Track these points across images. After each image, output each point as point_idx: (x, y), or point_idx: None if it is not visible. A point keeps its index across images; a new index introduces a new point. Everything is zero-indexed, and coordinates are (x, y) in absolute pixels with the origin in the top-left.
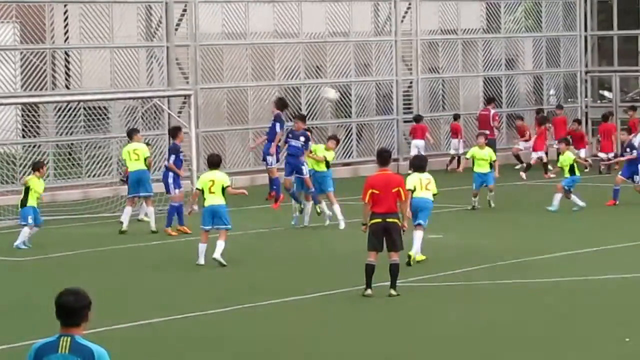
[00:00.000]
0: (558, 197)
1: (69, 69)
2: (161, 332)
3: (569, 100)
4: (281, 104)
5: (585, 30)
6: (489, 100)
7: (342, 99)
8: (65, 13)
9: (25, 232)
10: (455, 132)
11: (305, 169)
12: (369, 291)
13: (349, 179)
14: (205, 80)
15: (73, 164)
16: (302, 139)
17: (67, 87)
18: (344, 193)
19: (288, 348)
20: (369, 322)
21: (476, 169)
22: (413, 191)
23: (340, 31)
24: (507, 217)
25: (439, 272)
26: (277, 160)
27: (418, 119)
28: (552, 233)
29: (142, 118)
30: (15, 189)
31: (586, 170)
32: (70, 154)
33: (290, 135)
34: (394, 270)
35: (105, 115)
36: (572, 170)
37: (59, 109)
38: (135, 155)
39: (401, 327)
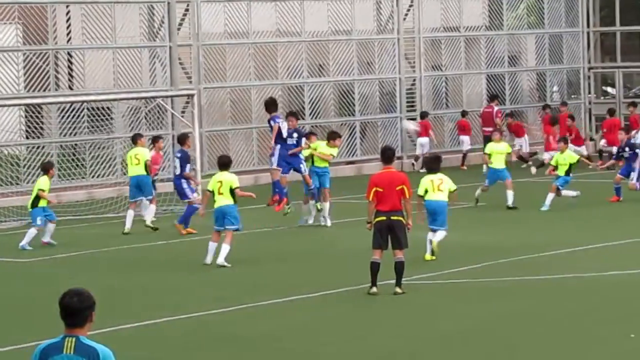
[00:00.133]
0: (551, 197)
1: (72, 70)
2: (166, 332)
3: (572, 96)
4: (271, 106)
5: (588, 26)
6: (492, 97)
7: (346, 96)
8: (67, 14)
9: (32, 233)
10: (463, 129)
11: (304, 167)
12: (374, 289)
13: (352, 177)
14: (208, 79)
15: (77, 165)
16: (295, 135)
17: (70, 88)
18: (346, 191)
19: (293, 347)
20: (375, 320)
21: (492, 165)
22: (425, 194)
23: (342, 29)
24: (512, 214)
25: (445, 269)
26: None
27: (423, 115)
28: (556, 230)
29: (145, 118)
30: (20, 190)
31: (589, 167)
32: (74, 155)
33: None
34: (399, 268)
35: (109, 115)
36: (568, 170)
37: (63, 110)
38: (136, 160)
39: (407, 325)
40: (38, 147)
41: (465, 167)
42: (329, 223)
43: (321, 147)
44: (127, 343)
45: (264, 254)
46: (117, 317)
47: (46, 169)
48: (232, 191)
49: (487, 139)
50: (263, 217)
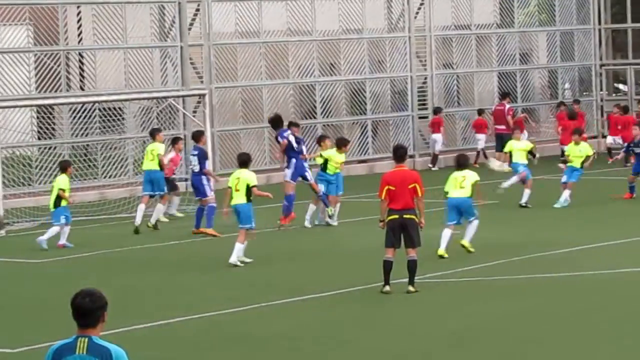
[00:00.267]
0: (567, 193)
1: (83, 70)
2: (179, 332)
3: (584, 93)
4: (277, 122)
5: (599, 23)
6: (504, 95)
7: (357, 95)
8: (78, 14)
9: (54, 230)
10: (480, 127)
11: (309, 174)
12: (387, 288)
13: (364, 176)
14: (219, 79)
15: (89, 165)
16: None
17: (82, 89)
18: (357, 190)
19: (305, 347)
20: (387, 319)
21: (515, 160)
22: (447, 192)
23: (353, 28)
24: (524, 211)
25: (457, 267)
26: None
27: (436, 111)
28: (568, 227)
29: (157, 118)
30: (32, 191)
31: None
32: (86, 155)
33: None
34: (411, 267)
35: (120, 116)
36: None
37: (74, 111)
38: (151, 155)
39: (420, 323)
40: (50, 148)
41: (477, 165)
42: (335, 223)
43: (335, 157)
44: (140, 343)
45: (276, 253)
46: (130, 317)
47: (64, 167)
48: (248, 190)
49: (499, 137)
50: (275, 217)
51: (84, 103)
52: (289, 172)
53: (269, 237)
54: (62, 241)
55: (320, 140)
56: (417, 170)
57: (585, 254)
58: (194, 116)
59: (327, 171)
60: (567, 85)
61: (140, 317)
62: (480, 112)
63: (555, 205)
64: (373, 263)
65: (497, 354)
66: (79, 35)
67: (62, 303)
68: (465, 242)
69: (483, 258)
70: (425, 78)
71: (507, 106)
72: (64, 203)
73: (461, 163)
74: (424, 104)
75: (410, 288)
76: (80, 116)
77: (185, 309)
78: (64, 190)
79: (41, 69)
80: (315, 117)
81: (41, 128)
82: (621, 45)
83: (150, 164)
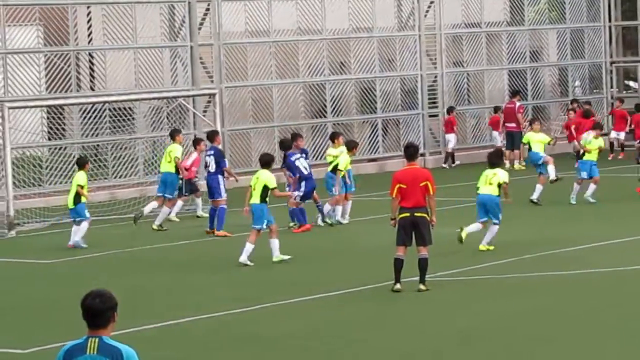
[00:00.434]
0: (594, 188)
1: (93, 71)
2: (189, 332)
3: (595, 91)
4: (285, 145)
5: (610, 20)
6: (514, 92)
7: (367, 94)
8: (88, 15)
9: (84, 227)
10: (497, 125)
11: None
12: (397, 286)
13: (374, 175)
14: (229, 78)
15: (99, 165)
16: (303, 156)
17: (92, 89)
18: (368, 189)
19: (315, 346)
20: (398, 318)
21: (535, 150)
22: (478, 188)
23: (363, 27)
24: (535, 209)
25: (468, 265)
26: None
27: (449, 110)
28: (580, 224)
29: (167, 118)
30: (42, 191)
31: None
32: (96, 156)
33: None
34: (422, 265)
35: (131, 116)
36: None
37: (84, 111)
38: (169, 157)
39: (430, 321)
40: (60, 149)
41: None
42: (346, 220)
43: (347, 161)
44: (150, 343)
45: (286, 252)
46: (140, 317)
47: (82, 164)
48: (264, 190)
49: (510, 135)
50: (283, 216)
51: (94, 103)
52: (296, 194)
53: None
54: (73, 241)
55: (333, 137)
56: (428, 169)
57: (596, 251)
58: (204, 116)
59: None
60: (577, 83)
61: (150, 317)
62: (497, 109)
63: (591, 200)
64: (384, 261)
65: (507, 352)
66: (89, 35)
67: (72, 303)
68: (483, 246)
69: (494, 256)
70: (436, 76)
71: (518, 104)
72: (83, 200)
73: (493, 161)
74: (434, 103)
75: (421, 286)
76: (91, 116)
77: (194, 308)
78: (82, 187)
79: (51, 70)
80: (325, 116)
81: (51, 128)
82: (632, 42)
83: (166, 166)
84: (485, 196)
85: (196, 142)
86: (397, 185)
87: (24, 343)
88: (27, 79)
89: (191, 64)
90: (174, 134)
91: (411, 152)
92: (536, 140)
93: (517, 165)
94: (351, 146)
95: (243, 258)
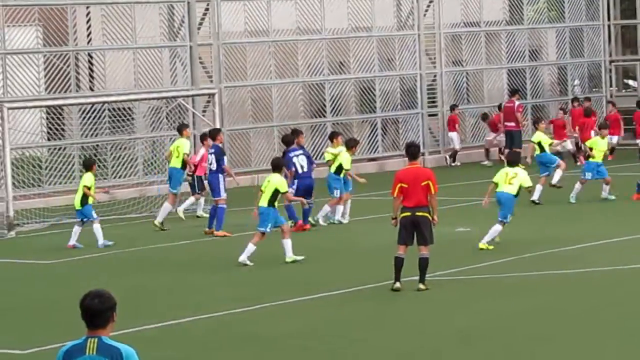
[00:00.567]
0: (607, 189)
1: (92, 71)
2: (189, 332)
3: (594, 90)
4: (286, 140)
5: (609, 19)
6: (513, 91)
7: (367, 93)
8: (87, 15)
9: (98, 228)
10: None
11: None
12: (397, 284)
13: (374, 174)
14: (229, 78)
15: (99, 166)
16: (300, 152)
17: (91, 89)
18: (367, 188)
19: (315, 346)
20: (397, 317)
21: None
22: (496, 185)
23: (363, 26)
24: (535, 208)
25: (468, 265)
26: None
27: (452, 107)
28: (580, 223)
29: (166, 118)
30: (42, 192)
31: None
32: (95, 156)
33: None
34: (422, 265)
35: (130, 116)
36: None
37: (84, 111)
38: (177, 152)
39: (429, 321)
40: (59, 149)
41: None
42: (346, 220)
43: (349, 160)
44: (150, 343)
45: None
46: (140, 317)
47: (89, 165)
48: (273, 194)
49: (509, 134)
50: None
51: (93, 103)
52: (290, 190)
53: (278, 236)
54: (72, 242)
55: (332, 137)
56: (429, 168)
57: (595, 250)
58: (203, 116)
59: (338, 173)
60: (576, 82)
61: (150, 317)
62: (501, 107)
63: (610, 197)
64: (384, 261)
65: (506, 351)
66: (88, 35)
67: (71, 304)
68: (483, 244)
69: (493, 255)
70: (435, 76)
71: (517, 103)
72: (90, 201)
73: (512, 160)
74: (433, 102)
75: (421, 286)
76: (90, 117)
77: (195, 308)
78: (89, 188)
79: (50, 70)
80: (324, 116)
81: (51, 129)
82: (631, 41)
83: (174, 161)
84: (502, 194)
85: (203, 137)
86: (399, 185)
87: (23, 344)
88: (27, 79)
89: (190, 63)
90: (181, 129)
91: (413, 151)
92: (546, 142)
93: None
94: (351, 144)
95: (243, 258)
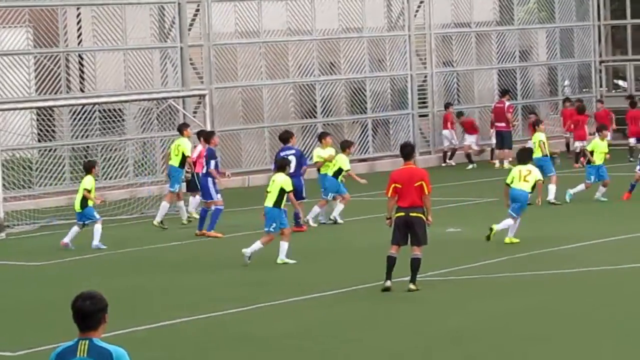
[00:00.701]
0: (603, 190)
1: (83, 72)
2: (183, 333)
3: (584, 90)
4: (282, 138)
5: (599, 19)
6: (504, 92)
7: (357, 94)
8: (78, 16)
9: (98, 229)
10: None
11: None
12: (388, 283)
13: (364, 175)
14: (219, 79)
15: None
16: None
17: (82, 90)
18: (359, 189)
19: (309, 345)
20: (390, 317)
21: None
22: (511, 183)
23: (353, 27)
24: (529, 208)
25: (459, 265)
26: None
27: (446, 106)
28: (573, 223)
29: (157, 119)
30: (32, 193)
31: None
32: (86, 157)
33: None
34: (414, 265)
35: (120, 117)
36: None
37: (74, 112)
38: (177, 151)
39: (420, 321)
40: (50, 150)
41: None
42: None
43: (346, 161)
44: (144, 344)
45: (276, 253)
46: (133, 318)
47: (89, 167)
48: (280, 194)
49: (499, 135)
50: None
51: (84, 105)
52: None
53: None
54: (67, 240)
55: (321, 137)
56: (424, 168)
57: (588, 250)
58: (194, 117)
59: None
60: (566, 82)
61: (142, 318)
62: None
63: (602, 199)
64: (374, 262)
65: (498, 351)
66: (78, 37)
67: (63, 306)
68: (508, 238)
69: (485, 255)
70: (425, 76)
71: (507, 103)
72: (90, 203)
73: (524, 158)
74: (424, 102)
75: (412, 286)
76: (81, 118)
77: (189, 309)
78: (89, 191)
79: (41, 71)
80: (315, 117)
81: (41, 130)
82: (621, 41)
83: (173, 159)
84: (517, 190)
85: (200, 134)
86: (393, 185)
87: (14, 345)
88: (17, 80)
89: (181, 65)
90: (182, 128)
91: (407, 151)
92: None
93: (506, 165)
94: (346, 145)
95: (246, 249)
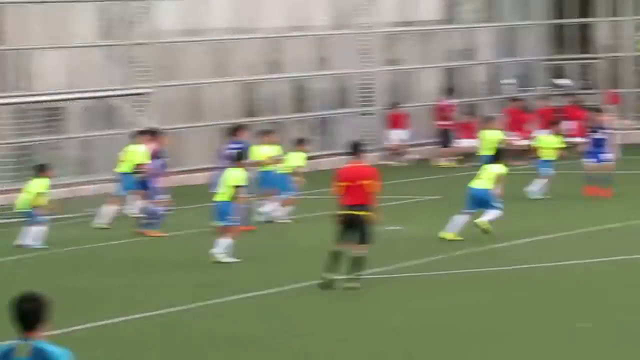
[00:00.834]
0: (542, 182)
1: (25, 70)
2: (123, 332)
3: (526, 88)
4: (230, 132)
5: (541, 19)
6: (447, 90)
7: (302, 93)
8: (21, 14)
9: (42, 230)
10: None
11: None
12: (328, 274)
13: (308, 173)
14: (164, 78)
15: (31, 167)
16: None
17: (24, 88)
18: (303, 187)
19: (250, 344)
20: (332, 315)
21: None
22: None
23: (298, 25)
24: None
25: (400, 263)
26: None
27: (394, 105)
28: (517, 220)
29: (100, 118)
30: None
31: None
32: (29, 156)
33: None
34: (356, 262)
35: (63, 115)
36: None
37: (15, 111)
38: (128, 157)
39: (365, 319)
40: None
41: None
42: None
43: (302, 158)
44: (81, 343)
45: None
46: (73, 317)
47: (45, 169)
48: (232, 189)
49: (443, 133)
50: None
51: (26, 103)
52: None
53: (213, 236)
54: (28, 241)
55: (263, 134)
56: (373, 166)
57: (532, 246)
58: (138, 115)
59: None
60: (509, 81)
61: (82, 318)
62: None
63: (535, 197)
64: (319, 259)
65: (440, 349)
66: (21, 34)
67: (2, 306)
68: (481, 222)
69: (427, 253)
70: (370, 75)
71: (450, 102)
72: (40, 203)
73: (496, 157)
74: (369, 101)
75: (353, 284)
76: (23, 116)
77: (130, 308)
78: (42, 194)
79: None
80: (260, 115)
81: None
82: (562, 40)
83: (124, 165)
84: (474, 189)
85: (144, 133)
86: (339, 183)
87: None
88: None
89: (125, 63)
90: (136, 135)
91: (355, 149)
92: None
93: (444, 162)
94: (300, 143)
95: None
